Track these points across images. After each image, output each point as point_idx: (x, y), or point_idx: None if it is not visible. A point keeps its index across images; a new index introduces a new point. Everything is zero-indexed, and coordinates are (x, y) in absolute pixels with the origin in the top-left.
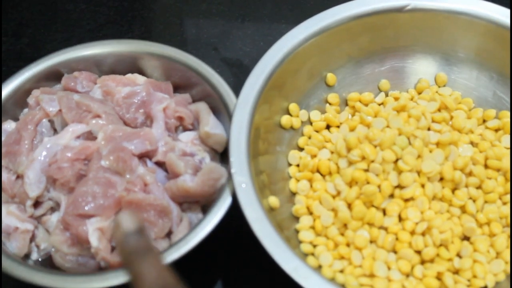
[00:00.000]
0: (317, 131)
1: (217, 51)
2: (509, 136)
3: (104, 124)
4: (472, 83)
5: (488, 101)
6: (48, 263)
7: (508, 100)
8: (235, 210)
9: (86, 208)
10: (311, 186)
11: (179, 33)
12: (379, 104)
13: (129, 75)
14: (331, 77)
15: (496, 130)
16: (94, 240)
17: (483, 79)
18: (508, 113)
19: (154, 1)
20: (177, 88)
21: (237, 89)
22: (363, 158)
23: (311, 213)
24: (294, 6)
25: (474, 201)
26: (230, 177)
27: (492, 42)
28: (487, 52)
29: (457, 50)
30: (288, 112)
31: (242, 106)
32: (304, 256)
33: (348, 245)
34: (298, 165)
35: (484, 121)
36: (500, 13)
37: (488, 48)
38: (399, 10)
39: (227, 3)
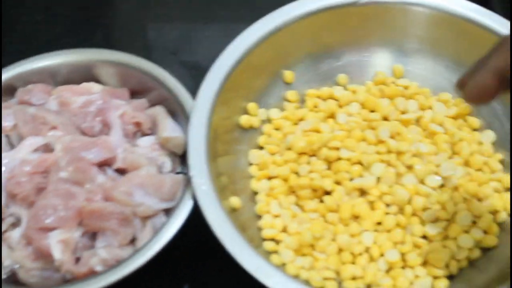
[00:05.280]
0: (277, 129)
1: (177, 55)
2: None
3: (61, 135)
4: (428, 73)
5: (445, 89)
6: (13, 280)
7: None
8: (198, 212)
9: (48, 221)
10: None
11: (139, 38)
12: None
13: (84, 84)
14: (288, 74)
15: (455, 118)
16: (57, 252)
17: (439, 68)
18: None
19: (111, 8)
20: (135, 94)
21: (197, 92)
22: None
23: None
24: (252, 7)
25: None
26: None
27: (446, 31)
28: (442, 41)
29: (412, 41)
30: (247, 112)
31: (199, 108)
32: (267, 254)
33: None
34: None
35: None
36: (452, 2)
37: (442, 37)
38: (353, 4)
39: (185, 7)
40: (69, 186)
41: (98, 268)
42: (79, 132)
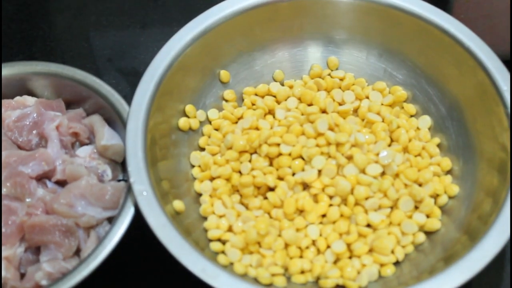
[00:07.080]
0: (216, 130)
1: (112, 62)
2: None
3: None
4: (363, 63)
5: (380, 78)
6: None
7: (398, 75)
8: (142, 218)
9: None
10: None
11: (72, 48)
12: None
13: (17, 98)
14: (224, 74)
15: (391, 106)
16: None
17: (373, 58)
18: (400, 88)
19: (42, 19)
20: (70, 104)
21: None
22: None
23: None
24: (184, 8)
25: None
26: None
27: (376, 21)
28: (372, 30)
29: (344, 33)
30: (185, 114)
31: (135, 114)
32: (214, 255)
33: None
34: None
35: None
36: None
37: (371, 26)
38: (281, 0)
39: (116, 13)
40: (8, 201)
41: (43, 282)
42: (15, 147)
